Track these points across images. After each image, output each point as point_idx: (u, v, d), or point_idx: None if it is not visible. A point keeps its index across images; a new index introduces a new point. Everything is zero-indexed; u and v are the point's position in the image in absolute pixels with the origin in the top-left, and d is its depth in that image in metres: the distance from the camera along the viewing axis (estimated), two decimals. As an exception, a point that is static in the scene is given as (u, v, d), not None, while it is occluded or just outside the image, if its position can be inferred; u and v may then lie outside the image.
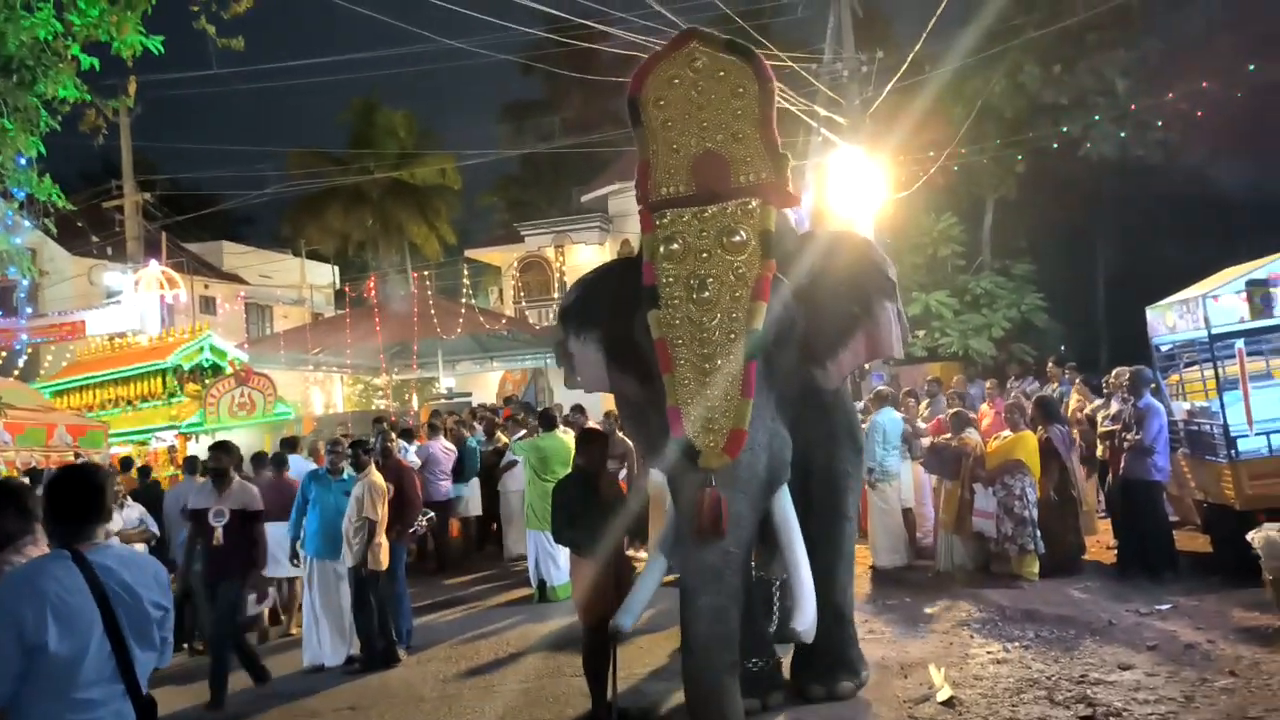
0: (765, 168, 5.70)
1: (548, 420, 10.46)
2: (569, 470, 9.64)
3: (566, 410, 11.98)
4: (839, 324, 6.05)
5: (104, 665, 3.14)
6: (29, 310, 22.21)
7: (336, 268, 38.19)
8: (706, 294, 5.46)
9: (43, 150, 11.41)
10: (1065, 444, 9.63)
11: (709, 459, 5.24)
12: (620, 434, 10.38)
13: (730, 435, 5.25)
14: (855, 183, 16.13)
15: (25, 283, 20.63)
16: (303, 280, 34.93)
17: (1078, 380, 12.39)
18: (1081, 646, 7.16)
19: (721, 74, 5.76)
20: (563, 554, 9.28)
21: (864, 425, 9.65)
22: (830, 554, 6.26)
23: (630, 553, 6.79)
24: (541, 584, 10.17)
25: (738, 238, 5.53)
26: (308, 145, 40.11)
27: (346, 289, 28.45)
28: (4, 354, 20.27)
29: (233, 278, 33.79)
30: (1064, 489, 9.50)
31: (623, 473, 10.48)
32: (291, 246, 37.56)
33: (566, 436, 10.02)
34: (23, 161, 11.56)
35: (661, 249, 5.63)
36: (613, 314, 6.11)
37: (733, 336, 5.38)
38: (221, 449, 8.01)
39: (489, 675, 7.75)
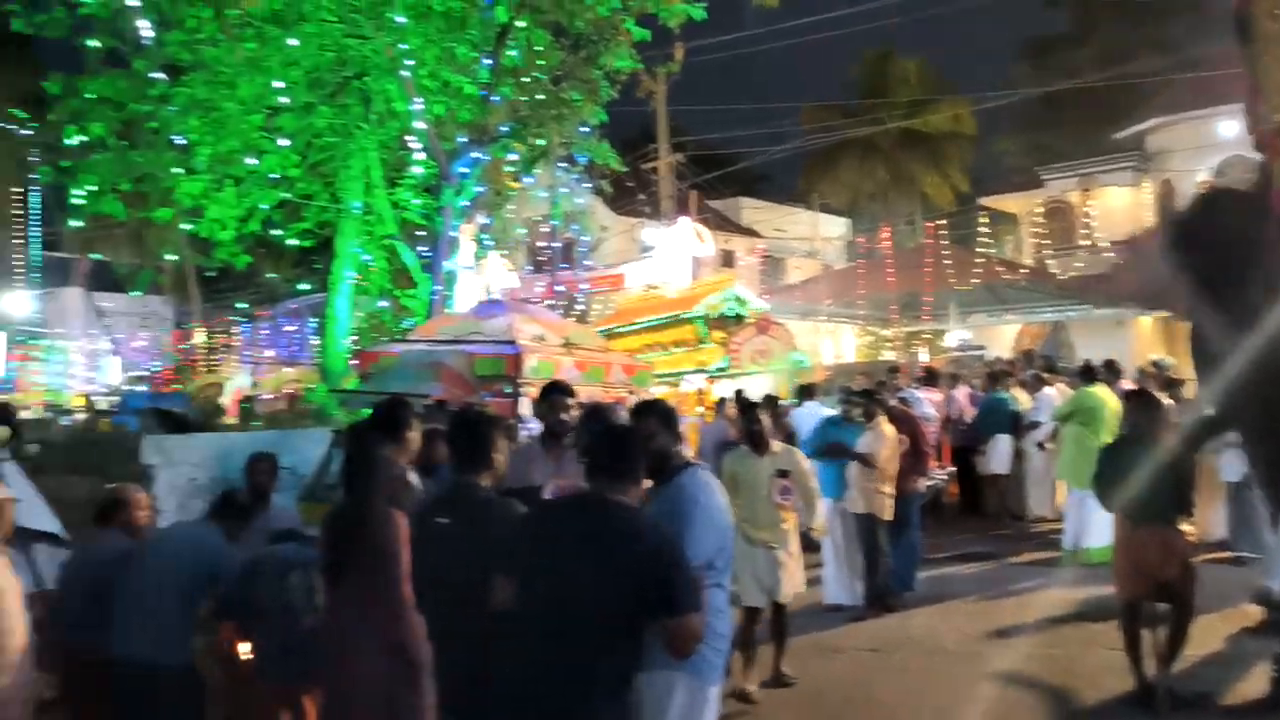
0: None
1: (1088, 374, 9.78)
2: (1111, 427, 9.01)
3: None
4: None
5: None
6: (588, 264, 25.15)
7: (849, 220, 38.67)
8: None
9: (604, 118, 12.96)
10: None
11: None
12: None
13: None
14: None
15: (587, 239, 23.52)
16: (815, 233, 35.82)
17: None
18: None
19: None
20: (1099, 517, 8.61)
21: None
22: None
23: (1183, 527, 6.13)
24: (1074, 547, 9.55)
25: None
26: (822, 100, 40.90)
27: (860, 241, 28.71)
28: (566, 302, 23.12)
29: (750, 232, 35.55)
30: None
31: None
32: (805, 200, 38.68)
33: (1104, 392, 9.31)
34: (584, 130, 13.17)
35: None
36: (1220, 244, 5.50)
37: None
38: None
39: (1014, 636, 7.46)
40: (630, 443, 3.46)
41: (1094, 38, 36.42)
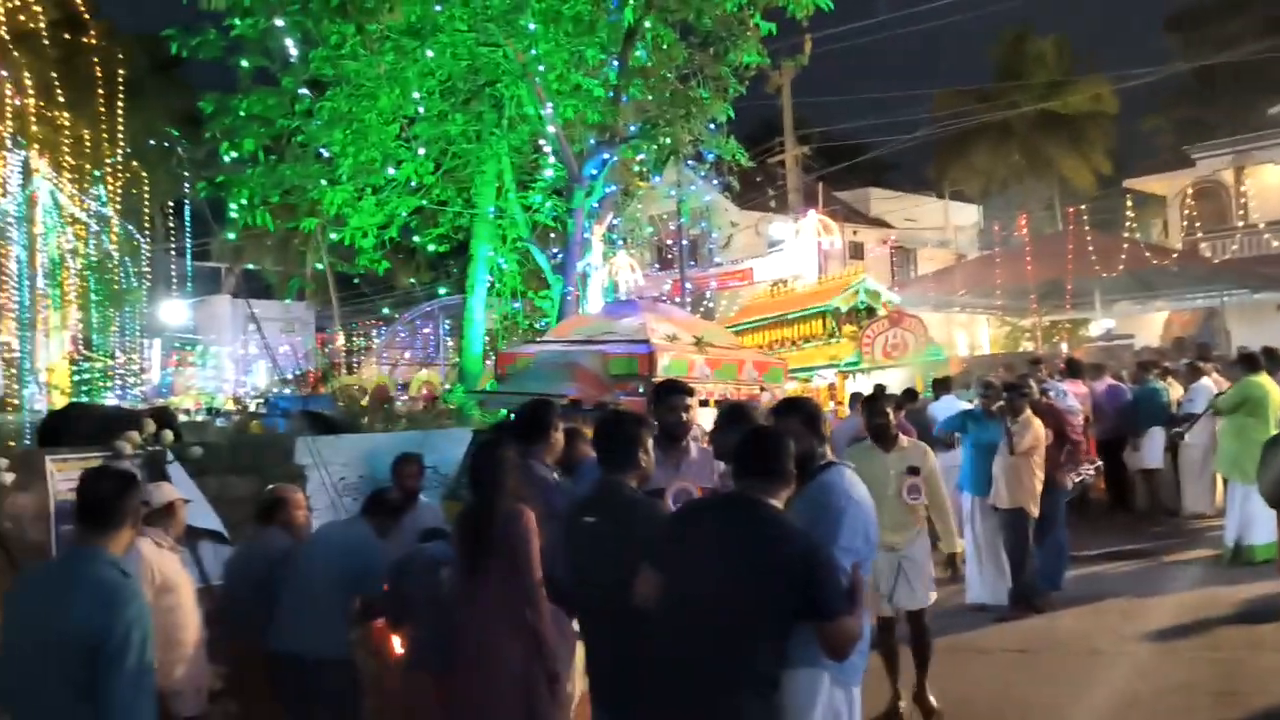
0: None
1: (1249, 363, 9.26)
2: (1276, 419, 8.54)
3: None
4: None
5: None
6: (717, 261, 25.12)
7: (981, 207, 37.62)
8: None
9: (732, 114, 12.93)
10: None
11: None
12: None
13: None
14: None
15: (715, 236, 23.56)
16: (946, 221, 34.95)
17: None
18: None
19: None
20: (1263, 512, 8.16)
21: None
22: None
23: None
24: (1236, 544, 9.07)
25: None
26: (954, 85, 39.88)
27: (996, 229, 27.92)
28: (694, 299, 23.18)
29: (879, 223, 34.95)
30: None
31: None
32: (935, 189, 37.80)
33: (1268, 381, 8.81)
34: (712, 126, 13.16)
35: None
36: None
37: None
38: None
39: (1173, 639, 7.14)
40: (778, 444, 3.46)
41: (1250, 6, 34.46)
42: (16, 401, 14.67)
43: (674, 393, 5.04)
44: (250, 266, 36.07)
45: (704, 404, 9.00)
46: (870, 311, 18.68)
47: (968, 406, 10.12)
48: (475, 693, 4.25)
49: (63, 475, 6.11)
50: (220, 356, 31.71)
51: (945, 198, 35.95)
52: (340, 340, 30.56)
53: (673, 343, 10.27)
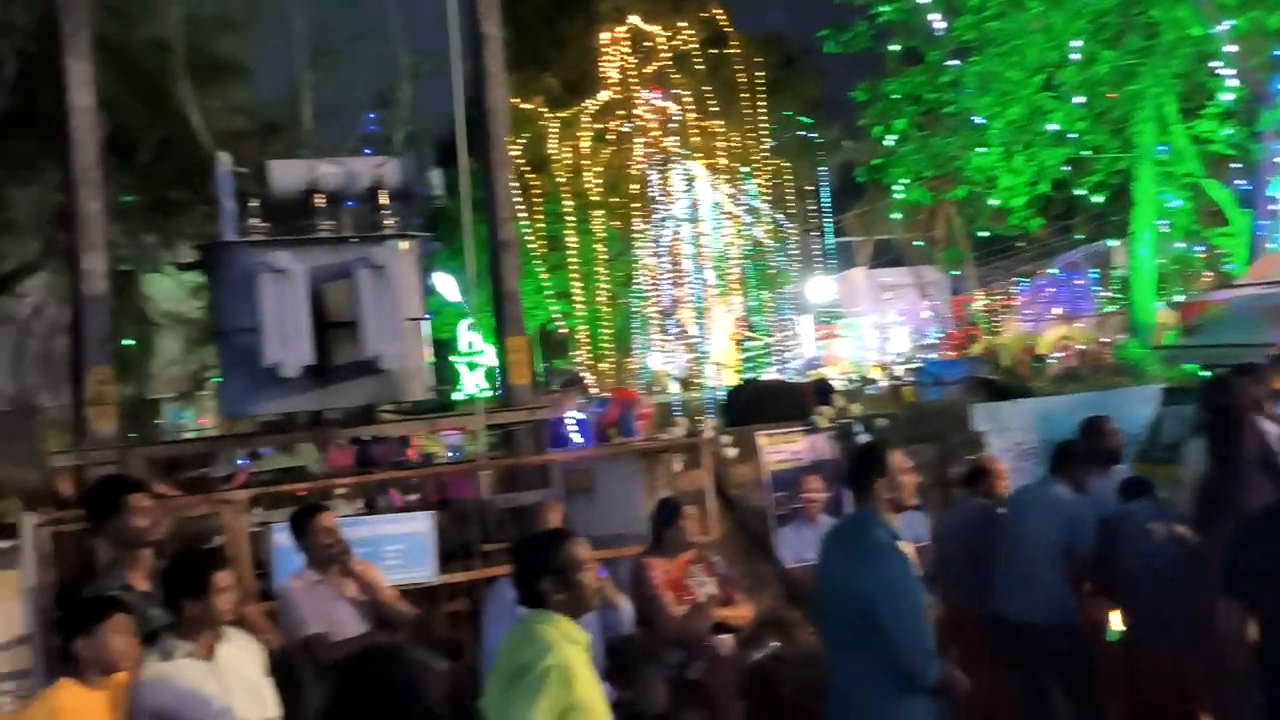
0: None
1: None
2: None
3: None
4: None
5: None
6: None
7: None
8: None
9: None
10: None
11: None
12: None
13: None
14: None
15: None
16: None
17: None
18: None
19: None
20: None
21: None
22: None
23: None
24: None
25: None
26: None
27: None
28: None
29: None
30: None
31: None
32: None
33: None
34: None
35: None
36: None
37: None
38: None
39: None
40: None
41: None
42: (699, 380, 16.94)
43: None
44: (918, 244, 37.26)
45: None
46: None
47: None
48: (1207, 671, 4.14)
49: (771, 448, 6.99)
50: (861, 326, 33.18)
51: None
52: (979, 301, 30.29)
53: None
